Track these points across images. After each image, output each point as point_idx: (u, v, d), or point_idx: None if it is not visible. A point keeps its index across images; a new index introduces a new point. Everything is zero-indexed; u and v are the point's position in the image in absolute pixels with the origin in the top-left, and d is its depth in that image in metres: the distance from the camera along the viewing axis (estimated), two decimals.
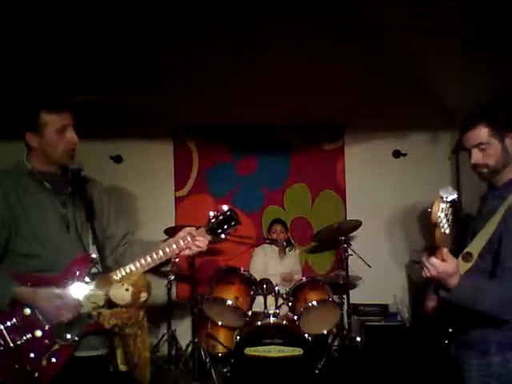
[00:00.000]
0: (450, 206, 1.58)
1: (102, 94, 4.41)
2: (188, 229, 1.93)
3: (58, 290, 1.77)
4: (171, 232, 4.04)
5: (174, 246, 1.90)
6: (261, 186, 4.92)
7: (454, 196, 1.58)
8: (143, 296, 1.79)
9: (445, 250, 1.62)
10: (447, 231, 1.59)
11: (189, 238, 1.90)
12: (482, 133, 1.78)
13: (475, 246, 1.77)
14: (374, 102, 4.58)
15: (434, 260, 1.63)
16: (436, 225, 1.58)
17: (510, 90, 3.16)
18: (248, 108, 4.58)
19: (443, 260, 1.62)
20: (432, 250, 1.66)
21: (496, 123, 1.79)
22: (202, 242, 1.91)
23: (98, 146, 4.59)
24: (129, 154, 4.84)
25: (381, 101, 4.58)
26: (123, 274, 1.85)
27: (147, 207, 4.75)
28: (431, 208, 1.59)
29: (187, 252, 1.92)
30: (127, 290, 1.76)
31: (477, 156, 1.81)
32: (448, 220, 1.58)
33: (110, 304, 1.78)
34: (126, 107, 4.54)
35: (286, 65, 4.29)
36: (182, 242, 1.90)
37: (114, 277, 1.83)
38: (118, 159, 4.83)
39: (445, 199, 1.58)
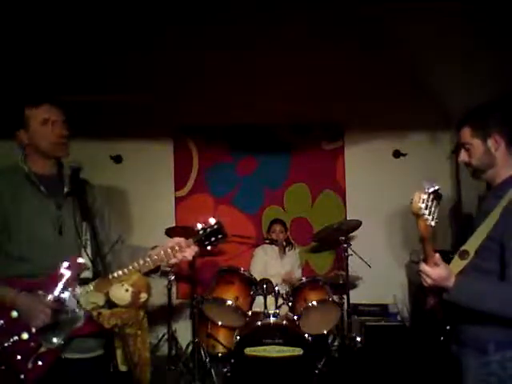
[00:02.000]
0: (432, 198, 1.61)
1: (102, 94, 4.42)
2: (177, 239, 1.93)
3: (38, 295, 1.76)
4: (171, 232, 4.04)
5: (162, 254, 1.89)
6: (261, 186, 4.92)
7: (435, 188, 1.63)
8: (143, 296, 1.80)
9: (437, 256, 1.67)
10: (432, 223, 1.62)
11: (177, 248, 1.90)
12: (465, 133, 1.86)
13: (471, 244, 1.80)
14: (374, 102, 4.58)
15: (425, 268, 1.69)
16: (418, 215, 1.62)
17: (510, 89, 3.16)
18: (248, 108, 4.58)
19: (436, 264, 1.67)
20: (421, 243, 1.70)
21: (478, 124, 1.85)
22: (189, 252, 1.91)
23: (98, 146, 4.60)
24: (129, 154, 4.84)
25: (381, 101, 4.58)
26: (122, 274, 1.84)
27: (147, 207, 4.75)
28: (412, 199, 1.64)
29: (173, 260, 1.91)
30: (127, 290, 1.76)
31: (462, 155, 1.90)
32: (431, 212, 1.61)
33: (110, 304, 1.78)
34: (126, 107, 4.54)
35: (286, 65, 4.29)
36: (169, 251, 1.90)
37: (114, 277, 1.83)
38: (118, 159, 4.83)
39: (426, 190, 1.62)
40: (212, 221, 1.97)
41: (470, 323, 1.78)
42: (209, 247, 1.96)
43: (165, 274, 4.08)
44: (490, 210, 1.79)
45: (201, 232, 1.95)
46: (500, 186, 1.84)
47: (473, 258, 1.77)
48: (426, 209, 1.61)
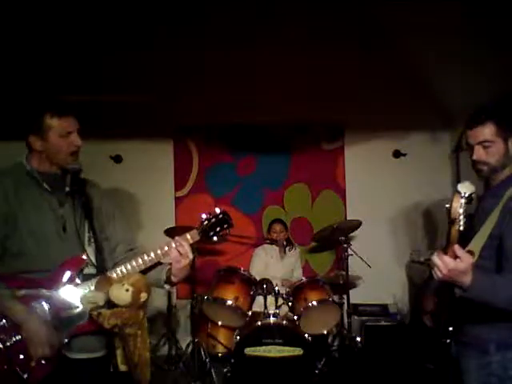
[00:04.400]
0: (467, 202, 1.57)
1: (102, 94, 4.41)
2: (177, 237, 1.92)
3: (45, 324, 1.74)
4: (171, 232, 4.04)
5: (159, 251, 1.89)
6: (261, 186, 4.92)
7: (473, 190, 1.57)
8: (143, 296, 1.80)
9: (457, 247, 1.59)
10: (461, 228, 1.57)
11: (176, 244, 1.88)
12: (490, 130, 1.79)
13: (476, 245, 1.77)
14: (374, 102, 4.58)
15: (445, 257, 1.59)
16: (454, 221, 1.56)
17: (510, 89, 3.16)
18: (248, 108, 4.58)
19: (456, 257, 1.59)
20: (445, 247, 1.63)
21: (503, 122, 1.80)
22: (183, 248, 1.88)
23: (98, 146, 4.59)
24: (129, 154, 4.84)
25: (381, 101, 4.58)
26: (121, 274, 1.85)
27: (147, 207, 4.75)
28: (450, 204, 1.57)
29: (176, 265, 1.89)
30: (127, 290, 1.76)
31: (479, 153, 1.82)
32: (465, 217, 1.57)
33: (110, 304, 1.78)
34: (125, 107, 4.54)
35: (286, 65, 4.29)
36: (171, 245, 1.89)
37: (114, 277, 1.83)
38: (117, 159, 4.83)
39: (463, 194, 1.56)
40: (217, 210, 1.95)
41: (472, 323, 1.78)
42: (214, 238, 1.93)
43: None
44: (490, 209, 1.78)
45: (205, 222, 1.93)
46: (499, 185, 1.84)
47: (478, 259, 1.75)
48: (462, 214, 1.56)
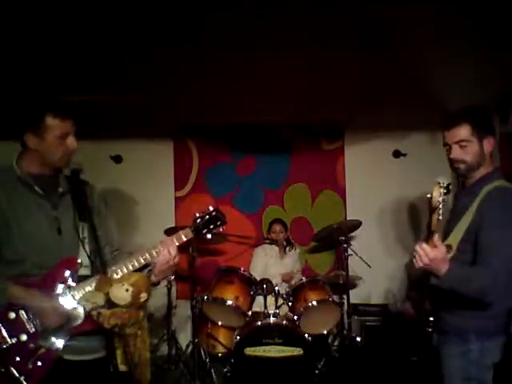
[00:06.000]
0: (445, 192, 1.69)
1: (102, 94, 4.41)
2: (169, 237, 1.93)
3: (47, 295, 1.76)
4: (171, 232, 4.03)
5: (154, 252, 1.89)
6: (261, 186, 4.92)
7: (449, 181, 1.72)
8: (143, 296, 1.80)
9: (436, 237, 1.72)
10: (441, 217, 1.69)
11: (167, 244, 1.89)
12: (465, 131, 1.92)
13: (453, 239, 1.87)
14: (374, 103, 4.57)
15: (425, 246, 1.71)
16: (435, 209, 1.69)
17: (509, 90, 3.16)
18: (248, 108, 4.58)
19: (435, 246, 1.71)
20: (427, 236, 1.76)
21: (478, 124, 1.92)
22: (172, 247, 1.89)
23: (98, 146, 4.59)
24: (129, 154, 4.84)
25: (381, 101, 4.57)
26: (120, 274, 1.84)
27: (147, 207, 4.75)
28: (431, 194, 1.70)
29: (163, 266, 1.88)
30: (127, 290, 1.76)
31: (456, 152, 1.94)
32: (443, 206, 1.69)
33: (110, 304, 1.78)
34: (126, 107, 4.53)
35: (286, 65, 4.29)
36: (161, 248, 1.90)
37: (114, 276, 1.83)
38: (117, 159, 4.83)
39: (442, 184, 1.70)
40: (210, 208, 1.96)
41: (452, 313, 1.86)
42: (208, 235, 1.94)
43: None
44: (466, 206, 1.88)
45: (198, 220, 1.94)
46: (475, 184, 1.93)
47: (455, 252, 1.85)
48: (441, 203, 1.69)
